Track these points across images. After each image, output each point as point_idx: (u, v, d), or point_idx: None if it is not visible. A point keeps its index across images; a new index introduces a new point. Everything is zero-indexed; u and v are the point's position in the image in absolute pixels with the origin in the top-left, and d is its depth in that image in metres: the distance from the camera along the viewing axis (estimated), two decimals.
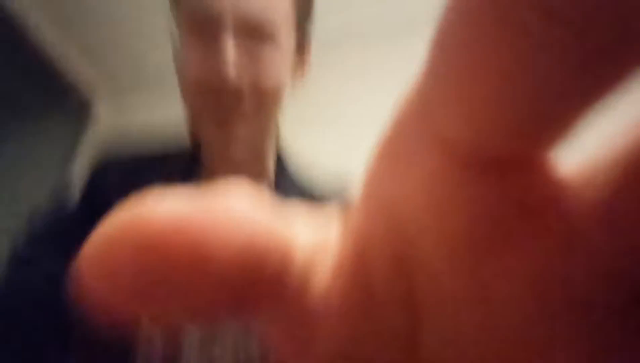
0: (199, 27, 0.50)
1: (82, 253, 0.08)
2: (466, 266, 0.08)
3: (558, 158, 0.08)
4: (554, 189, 0.08)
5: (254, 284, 0.08)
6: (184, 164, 0.57)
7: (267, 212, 0.08)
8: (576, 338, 0.07)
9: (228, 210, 0.08)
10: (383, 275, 0.09)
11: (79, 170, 1.57)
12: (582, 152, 0.08)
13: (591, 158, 0.07)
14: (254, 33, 0.50)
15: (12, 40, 1.58)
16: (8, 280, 0.50)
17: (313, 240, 0.09)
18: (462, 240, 0.08)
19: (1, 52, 1.58)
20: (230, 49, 0.48)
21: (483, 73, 0.06)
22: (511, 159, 0.07)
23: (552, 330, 0.07)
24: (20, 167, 1.70)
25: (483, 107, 0.06)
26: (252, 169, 0.57)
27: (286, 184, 0.60)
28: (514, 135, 0.06)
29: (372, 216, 0.09)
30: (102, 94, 2.17)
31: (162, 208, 0.08)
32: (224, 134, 0.51)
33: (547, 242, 0.07)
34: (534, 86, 0.06)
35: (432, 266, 0.08)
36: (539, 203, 0.07)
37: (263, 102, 0.51)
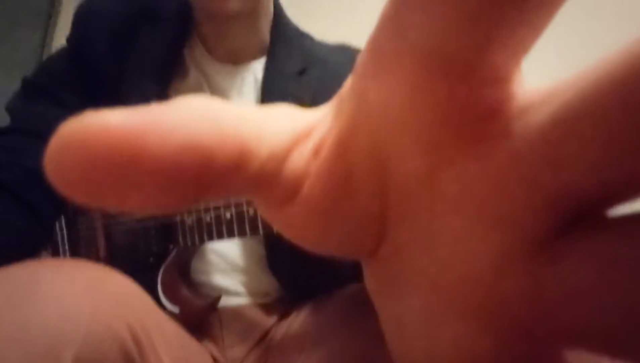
0: None
1: (46, 152, 0.08)
2: (425, 165, 0.09)
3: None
4: (505, 105, 0.08)
5: (203, 175, 0.08)
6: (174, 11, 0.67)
7: (217, 113, 0.09)
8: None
9: (170, 113, 0.08)
10: (361, 163, 0.10)
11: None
12: None
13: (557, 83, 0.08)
14: None
15: None
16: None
17: (291, 131, 0.10)
18: (423, 142, 0.09)
19: None
20: None
21: None
22: (469, 64, 0.08)
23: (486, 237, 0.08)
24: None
25: (442, 16, 0.08)
26: (245, 22, 0.66)
27: (284, 40, 0.69)
28: (467, 38, 0.08)
29: (355, 114, 0.10)
30: None
31: (108, 115, 0.08)
32: None
33: (488, 161, 0.08)
34: None
35: (401, 161, 0.09)
36: (487, 113, 0.08)
37: None
